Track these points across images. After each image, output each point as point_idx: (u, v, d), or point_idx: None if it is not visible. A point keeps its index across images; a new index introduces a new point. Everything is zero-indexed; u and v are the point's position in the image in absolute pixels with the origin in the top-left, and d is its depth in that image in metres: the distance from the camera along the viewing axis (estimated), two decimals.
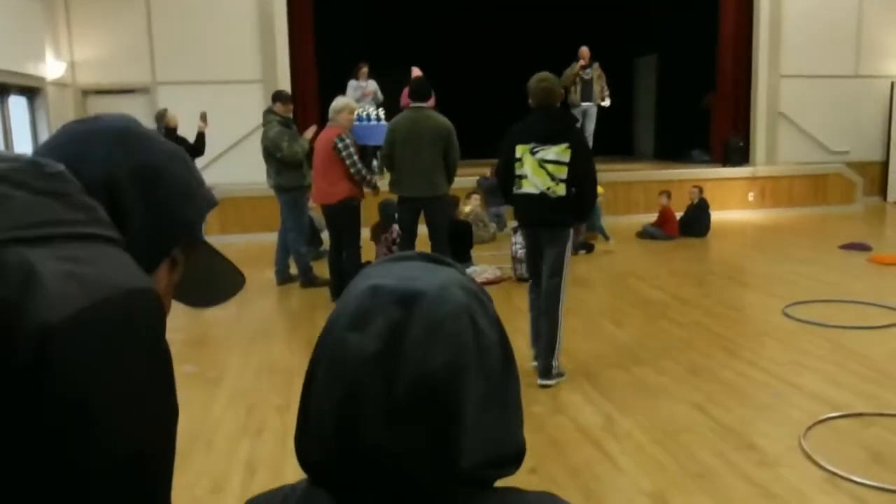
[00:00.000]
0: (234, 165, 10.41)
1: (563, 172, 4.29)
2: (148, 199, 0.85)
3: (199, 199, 0.92)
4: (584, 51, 11.31)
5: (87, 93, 10.82)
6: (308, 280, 7.22)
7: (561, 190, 4.30)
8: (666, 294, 6.68)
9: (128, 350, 0.68)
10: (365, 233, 7.14)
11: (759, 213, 11.80)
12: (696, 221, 9.79)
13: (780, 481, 3.21)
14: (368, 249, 7.00)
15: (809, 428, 3.70)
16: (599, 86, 11.39)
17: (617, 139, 15.13)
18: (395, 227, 7.03)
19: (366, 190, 6.57)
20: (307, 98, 11.43)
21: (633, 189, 11.35)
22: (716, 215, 10.24)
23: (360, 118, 9.98)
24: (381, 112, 10.81)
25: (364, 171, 6.46)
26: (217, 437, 3.83)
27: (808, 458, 3.40)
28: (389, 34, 13.76)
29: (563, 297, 4.42)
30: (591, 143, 8.28)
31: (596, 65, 11.38)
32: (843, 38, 12.65)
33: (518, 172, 4.42)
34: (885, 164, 13.04)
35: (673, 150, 14.21)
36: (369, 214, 7.57)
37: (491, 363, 0.75)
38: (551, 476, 3.28)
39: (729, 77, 12.72)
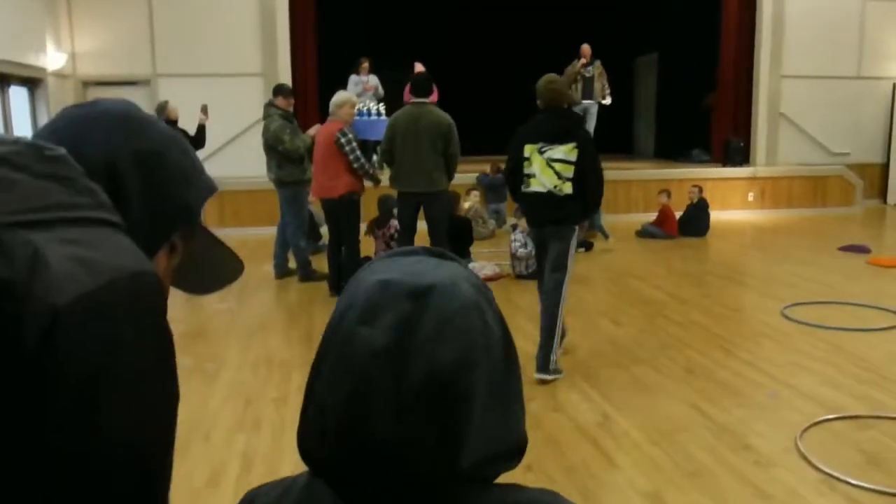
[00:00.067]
0: (234, 159, 10.41)
1: (569, 171, 4.40)
2: (148, 184, 0.84)
3: (199, 185, 0.92)
4: (586, 49, 11.30)
5: (87, 84, 10.81)
6: (307, 274, 7.22)
7: (567, 188, 4.41)
8: (664, 293, 6.68)
9: (133, 333, 0.68)
10: (362, 228, 7.14)
11: (759, 213, 11.80)
12: (695, 221, 9.79)
13: (775, 482, 3.22)
14: (367, 244, 7.00)
15: (806, 429, 3.70)
16: (600, 84, 11.38)
17: (617, 138, 15.14)
18: (394, 222, 7.03)
19: (366, 183, 6.57)
20: (308, 92, 11.42)
21: (632, 188, 11.35)
22: (715, 215, 10.25)
23: (360, 113, 9.96)
24: (382, 107, 10.80)
25: (367, 165, 6.47)
26: (214, 429, 3.83)
27: (804, 459, 3.40)
28: (391, 30, 13.76)
29: (564, 293, 4.48)
30: None
31: (597, 63, 11.37)
32: (846, 40, 12.65)
33: (526, 171, 4.52)
34: (885, 167, 13.04)
35: (673, 149, 14.21)
36: (368, 210, 7.57)
37: (496, 358, 0.75)
38: (548, 474, 3.28)
39: (730, 77, 12.72)
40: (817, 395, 4.19)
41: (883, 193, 13.10)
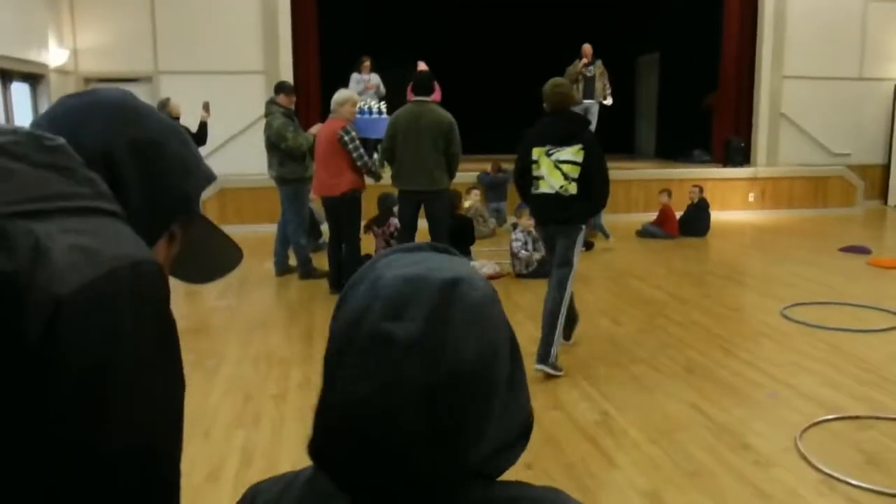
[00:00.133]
0: (236, 156, 10.41)
1: (576, 172, 4.52)
2: (146, 174, 0.84)
3: (198, 174, 0.92)
4: (587, 48, 11.29)
5: (89, 80, 10.80)
6: (307, 271, 7.22)
7: (573, 188, 4.52)
8: (665, 293, 6.68)
9: (136, 322, 0.68)
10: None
11: (759, 213, 11.79)
12: (695, 221, 9.79)
13: (774, 482, 3.22)
14: (367, 242, 7.00)
15: (805, 429, 3.71)
16: (602, 83, 11.38)
17: (618, 137, 15.12)
18: (394, 220, 7.03)
19: (367, 179, 6.57)
20: (309, 90, 11.42)
21: (633, 187, 11.34)
22: (716, 215, 10.25)
23: (361, 111, 9.97)
24: (384, 105, 10.80)
25: (370, 163, 6.49)
26: (214, 425, 3.84)
27: (804, 459, 3.40)
28: (392, 28, 13.76)
29: (569, 288, 4.61)
30: None
31: (598, 62, 11.36)
32: (847, 40, 12.64)
33: (535, 174, 4.64)
34: (886, 168, 13.04)
35: (674, 149, 14.21)
36: (368, 208, 7.57)
37: (512, 347, 0.78)
38: (547, 472, 3.28)
39: (731, 77, 12.72)
40: (817, 396, 4.19)
41: (884, 194, 13.09)
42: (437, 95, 7.17)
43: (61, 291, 0.63)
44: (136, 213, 0.80)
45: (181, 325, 0.76)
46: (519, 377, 0.79)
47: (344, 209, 6.45)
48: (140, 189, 0.83)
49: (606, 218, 9.36)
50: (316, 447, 0.75)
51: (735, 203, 11.80)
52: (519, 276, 7.26)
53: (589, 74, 11.29)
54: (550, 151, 4.57)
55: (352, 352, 0.72)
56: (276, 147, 7.00)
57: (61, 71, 10.29)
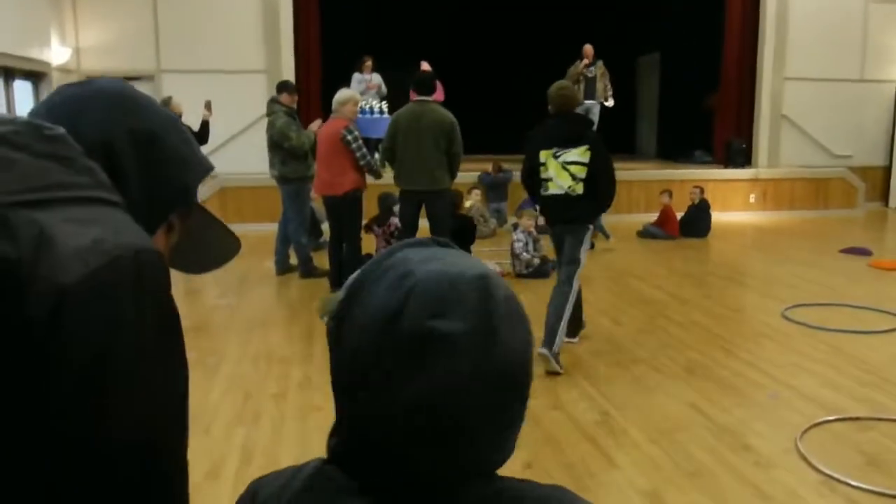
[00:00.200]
0: (237, 155, 10.41)
1: (583, 172, 4.63)
2: (146, 165, 0.84)
3: (196, 165, 0.92)
4: (588, 49, 11.29)
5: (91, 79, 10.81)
6: (307, 270, 7.22)
7: (580, 188, 4.64)
8: (665, 293, 6.68)
9: (137, 312, 0.67)
10: None
11: (760, 214, 11.79)
12: (696, 222, 9.79)
13: (775, 483, 3.21)
14: (367, 241, 7.00)
15: (806, 430, 3.70)
16: (603, 84, 11.37)
17: (619, 138, 15.06)
18: (394, 219, 7.03)
19: (368, 177, 6.57)
20: (311, 90, 11.43)
21: (634, 188, 11.33)
22: (717, 216, 10.25)
23: (363, 111, 9.98)
24: (385, 105, 10.80)
25: (373, 163, 6.51)
26: (214, 423, 3.84)
27: (804, 460, 3.40)
28: (394, 28, 13.75)
29: (577, 281, 4.76)
30: None
31: (599, 63, 11.35)
32: (849, 42, 12.64)
33: (543, 176, 4.74)
34: (887, 170, 13.03)
35: (675, 149, 14.20)
36: (369, 207, 7.57)
37: None
38: (547, 471, 3.28)
39: (732, 78, 12.71)
40: (818, 397, 4.19)
41: (885, 196, 13.09)
42: (439, 95, 7.16)
43: (65, 281, 0.63)
44: (135, 203, 0.80)
45: (182, 323, 0.76)
46: None
47: (346, 208, 6.45)
48: (139, 179, 0.83)
49: (607, 218, 9.33)
50: (335, 445, 0.75)
51: (736, 204, 11.79)
52: (519, 276, 7.26)
53: (590, 75, 11.29)
54: (557, 153, 4.67)
55: (394, 351, 0.70)
56: (278, 146, 7.00)
57: (64, 69, 10.29)
